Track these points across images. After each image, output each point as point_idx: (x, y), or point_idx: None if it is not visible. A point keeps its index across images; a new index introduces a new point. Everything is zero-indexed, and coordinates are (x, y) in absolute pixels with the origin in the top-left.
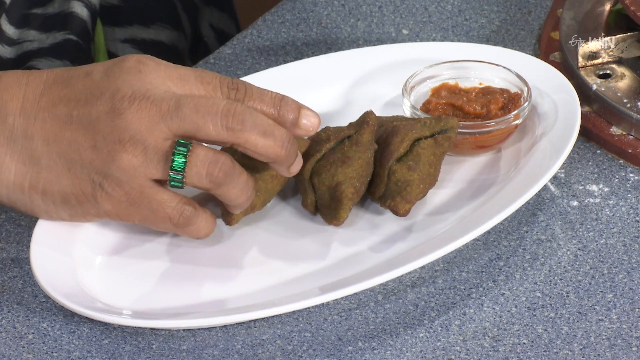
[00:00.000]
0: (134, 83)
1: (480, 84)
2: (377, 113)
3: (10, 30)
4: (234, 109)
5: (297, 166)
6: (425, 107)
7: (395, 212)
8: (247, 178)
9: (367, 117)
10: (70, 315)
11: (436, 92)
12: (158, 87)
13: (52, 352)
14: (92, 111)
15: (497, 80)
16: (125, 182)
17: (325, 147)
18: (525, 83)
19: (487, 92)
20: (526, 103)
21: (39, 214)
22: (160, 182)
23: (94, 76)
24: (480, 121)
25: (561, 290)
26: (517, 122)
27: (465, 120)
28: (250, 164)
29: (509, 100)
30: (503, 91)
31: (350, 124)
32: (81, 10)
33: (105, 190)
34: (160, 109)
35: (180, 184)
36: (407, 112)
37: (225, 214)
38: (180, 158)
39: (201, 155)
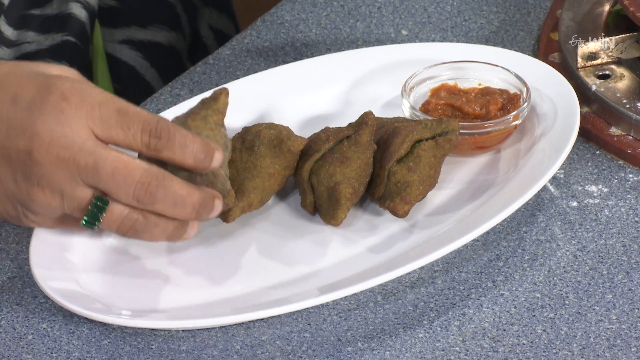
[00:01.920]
0: (54, 127)
1: (480, 84)
2: (377, 114)
3: (8, 31)
4: (149, 182)
5: (216, 212)
6: (425, 107)
7: (394, 213)
8: (164, 226)
9: (366, 117)
10: (69, 316)
11: (435, 92)
12: (78, 133)
13: (52, 353)
14: (12, 147)
15: (497, 80)
16: (43, 215)
17: (324, 147)
18: (525, 84)
19: (486, 93)
20: (525, 104)
21: None
22: None
23: (18, 106)
24: (479, 122)
25: (560, 290)
26: (517, 122)
27: (465, 121)
28: (248, 161)
29: (508, 101)
30: (502, 92)
31: (349, 124)
32: (79, 12)
33: (28, 218)
34: (78, 164)
35: (93, 228)
36: (406, 113)
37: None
38: (94, 215)
39: (116, 214)
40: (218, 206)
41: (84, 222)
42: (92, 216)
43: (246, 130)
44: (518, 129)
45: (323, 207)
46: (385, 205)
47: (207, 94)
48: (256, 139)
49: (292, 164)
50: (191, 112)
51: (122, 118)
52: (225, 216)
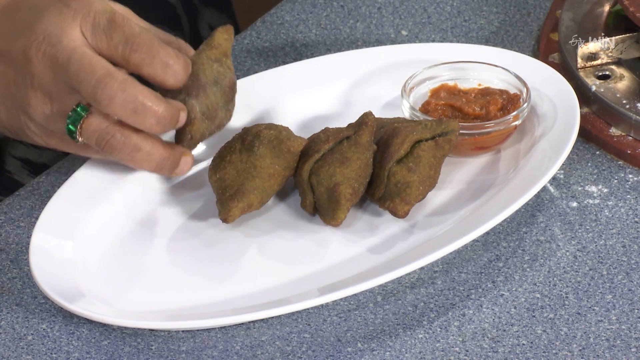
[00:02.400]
0: (47, 27)
1: (479, 85)
2: (376, 114)
3: None
4: (107, 83)
5: (180, 123)
6: (425, 108)
7: (394, 214)
8: (147, 152)
9: (366, 118)
10: (69, 317)
11: (435, 93)
12: (67, 33)
13: (52, 353)
14: (14, 49)
15: (497, 81)
16: (38, 122)
17: (324, 147)
18: (525, 84)
19: (486, 93)
20: (525, 104)
21: None
22: None
23: (30, 10)
24: (479, 122)
25: (560, 291)
26: (517, 123)
27: (465, 121)
28: (248, 161)
29: (508, 102)
30: (502, 92)
31: (349, 124)
32: None
33: (30, 129)
34: (57, 60)
35: (75, 140)
36: (406, 113)
37: (221, 211)
38: (72, 123)
39: (93, 125)
40: (182, 118)
41: (66, 128)
42: (71, 122)
43: (246, 130)
44: (518, 130)
45: (323, 208)
46: (385, 205)
47: None
48: (256, 140)
49: (292, 164)
50: (196, 51)
51: (110, 26)
52: (225, 217)
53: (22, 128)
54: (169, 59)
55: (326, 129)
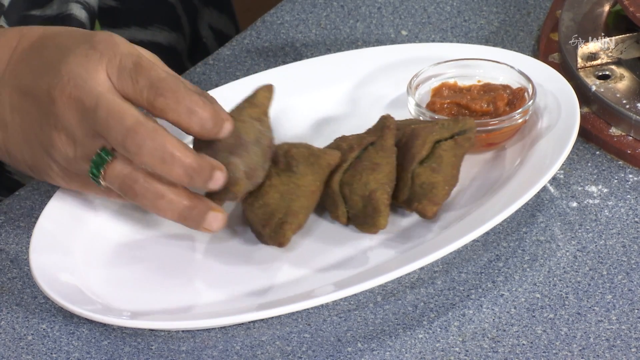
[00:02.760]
0: (74, 68)
1: (479, 81)
2: (378, 114)
3: None
4: (137, 131)
5: (215, 181)
6: (430, 107)
7: (423, 215)
8: (170, 200)
9: (386, 121)
10: (69, 317)
11: (437, 92)
12: (93, 76)
13: (52, 353)
14: (38, 87)
15: (502, 78)
16: (60, 163)
17: (350, 156)
18: (529, 80)
19: (488, 89)
20: (531, 101)
21: (18, 170)
22: None
23: (57, 49)
24: (488, 118)
25: (560, 291)
26: (526, 117)
27: (474, 118)
28: (290, 182)
29: (514, 96)
30: (505, 87)
31: (368, 130)
32: (80, 12)
33: (53, 170)
34: (83, 104)
35: (98, 184)
36: (412, 111)
37: (273, 236)
38: (95, 167)
39: (117, 170)
40: (219, 178)
41: (89, 172)
42: (95, 166)
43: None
44: (518, 129)
45: (359, 217)
46: (413, 207)
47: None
48: (291, 160)
49: (326, 178)
50: (236, 106)
51: (136, 69)
52: (281, 241)
53: (45, 169)
54: (195, 106)
55: (344, 138)
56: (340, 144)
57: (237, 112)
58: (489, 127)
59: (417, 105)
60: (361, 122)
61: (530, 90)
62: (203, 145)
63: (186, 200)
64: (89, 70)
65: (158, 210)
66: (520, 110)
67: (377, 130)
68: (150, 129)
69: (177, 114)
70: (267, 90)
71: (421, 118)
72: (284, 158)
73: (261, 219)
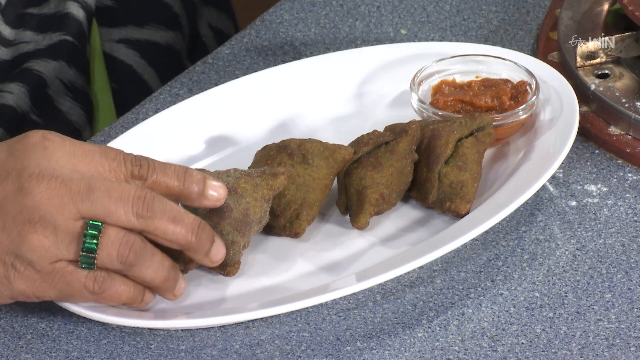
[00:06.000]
0: (40, 161)
1: (477, 77)
2: (377, 113)
3: (6, 30)
4: (144, 195)
5: (216, 252)
6: (434, 105)
7: (457, 214)
8: (161, 258)
9: (408, 126)
10: (68, 315)
11: (438, 90)
12: (64, 166)
13: (51, 352)
14: (3, 191)
15: (505, 75)
16: (36, 262)
17: (362, 149)
18: (532, 75)
19: (489, 84)
20: (534, 96)
21: None
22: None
23: (10, 155)
24: (494, 114)
25: (560, 290)
26: (532, 112)
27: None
28: (306, 174)
29: (516, 90)
30: (506, 82)
31: (390, 129)
32: (77, 11)
33: (17, 270)
34: (70, 190)
35: (91, 266)
36: (415, 108)
37: (288, 227)
38: (92, 240)
39: (112, 237)
40: (219, 247)
41: (81, 257)
42: (88, 248)
43: (284, 145)
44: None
45: (351, 209)
46: (445, 208)
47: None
48: (306, 153)
49: (338, 173)
50: (248, 174)
51: (104, 152)
52: (296, 231)
53: (5, 275)
54: (172, 172)
55: (373, 132)
56: (364, 136)
57: (253, 188)
58: (505, 121)
59: (420, 101)
60: (360, 122)
61: (533, 85)
62: (213, 211)
63: (171, 261)
64: (58, 162)
65: (152, 267)
66: (527, 103)
67: (398, 132)
68: (152, 194)
69: (162, 175)
70: (287, 179)
71: (425, 115)
72: (299, 151)
73: (275, 209)
